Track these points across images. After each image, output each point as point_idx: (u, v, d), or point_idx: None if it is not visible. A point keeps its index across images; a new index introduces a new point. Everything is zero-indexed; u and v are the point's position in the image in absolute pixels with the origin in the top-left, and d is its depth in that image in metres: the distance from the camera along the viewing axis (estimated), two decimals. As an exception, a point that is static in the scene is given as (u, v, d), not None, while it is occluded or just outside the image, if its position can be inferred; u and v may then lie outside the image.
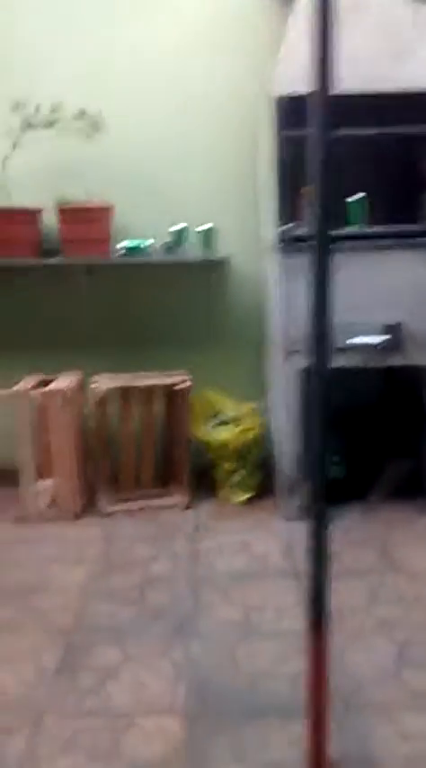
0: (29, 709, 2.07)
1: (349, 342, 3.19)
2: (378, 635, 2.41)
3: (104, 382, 3.53)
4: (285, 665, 2.25)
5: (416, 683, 2.13)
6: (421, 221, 3.38)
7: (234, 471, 3.65)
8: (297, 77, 2.97)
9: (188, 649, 2.36)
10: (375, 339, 3.22)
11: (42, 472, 3.66)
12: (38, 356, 3.91)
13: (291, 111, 3.03)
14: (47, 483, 3.59)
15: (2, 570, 3.00)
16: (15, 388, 3.48)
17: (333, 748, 1.82)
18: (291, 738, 1.89)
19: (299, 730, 1.89)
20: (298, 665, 2.17)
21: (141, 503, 3.65)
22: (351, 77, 2.91)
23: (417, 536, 3.19)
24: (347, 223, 3.34)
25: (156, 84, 3.78)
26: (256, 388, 3.95)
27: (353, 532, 3.25)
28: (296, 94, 2.97)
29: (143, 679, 2.20)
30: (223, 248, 3.80)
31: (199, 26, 3.76)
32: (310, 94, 1.46)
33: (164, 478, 3.87)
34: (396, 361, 3.27)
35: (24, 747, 1.90)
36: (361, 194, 3.33)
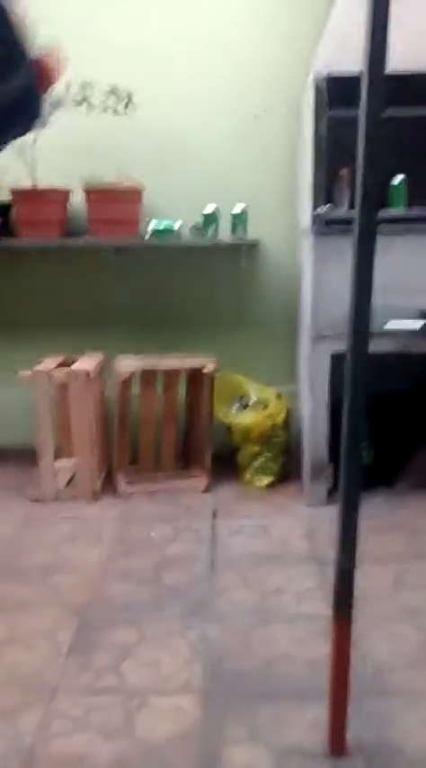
0: (42, 686, 2.04)
1: (386, 326, 3.11)
2: (403, 621, 2.35)
3: (128, 363, 3.49)
4: (303, 648, 2.19)
5: (440, 671, 2.07)
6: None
7: (257, 455, 3.59)
8: (341, 56, 2.94)
9: (204, 630, 2.31)
10: (413, 324, 3.14)
11: (62, 452, 3.64)
12: (63, 336, 3.90)
13: (334, 90, 2.97)
14: (66, 463, 3.56)
15: (20, 549, 2.97)
16: (38, 367, 3.45)
17: (352, 733, 1.77)
18: (309, 722, 1.84)
19: (316, 714, 1.84)
20: (317, 649, 2.14)
21: (161, 484, 3.61)
22: (399, 55, 2.88)
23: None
24: (388, 205, 3.26)
25: (191, 62, 3.71)
26: (285, 372, 3.91)
27: (380, 519, 3.18)
28: (340, 74, 2.92)
29: (158, 658, 2.16)
30: (256, 230, 3.74)
31: (238, 1, 3.69)
32: (360, 74, 1.41)
33: (186, 461, 3.83)
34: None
35: (37, 724, 1.87)
36: (402, 176, 3.25)
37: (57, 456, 3.51)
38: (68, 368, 3.42)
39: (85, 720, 1.89)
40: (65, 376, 3.39)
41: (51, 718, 1.89)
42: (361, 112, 1.42)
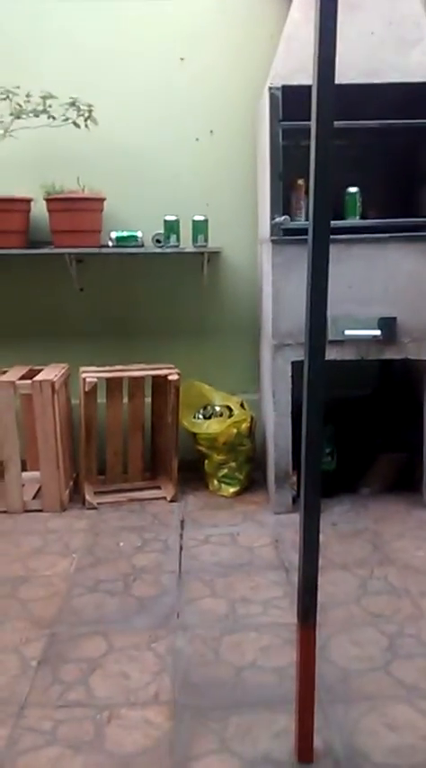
0: (11, 700, 2.04)
1: (345, 334, 3.15)
2: (368, 627, 2.38)
3: (93, 373, 3.49)
4: (271, 657, 2.22)
5: (405, 674, 2.11)
6: (419, 214, 3.36)
7: (223, 464, 3.61)
8: (296, 68, 2.98)
9: (173, 641, 2.32)
10: (370, 332, 3.19)
11: (28, 463, 3.63)
12: (26, 347, 3.88)
13: (289, 101, 3.00)
14: (33, 474, 3.55)
15: (-14, 561, 2.96)
16: (2, 378, 3.44)
17: (320, 739, 1.80)
18: (277, 730, 1.87)
19: (285, 722, 1.87)
20: (285, 657, 2.16)
21: (128, 494, 3.62)
22: (350, 68, 2.93)
23: (408, 529, 3.16)
24: (343, 215, 3.31)
25: (151, 73, 3.73)
26: (248, 380, 3.95)
27: (344, 525, 3.22)
28: (294, 85, 2.96)
29: (127, 670, 2.17)
30: (218, 240, 3.76)
31: (198, 15, 3.71)
32: (311, 85, 1.43)
33: (152, 470, 3.84)
34: (391, 354, 3.25)
35: (6, 739, 1.87)
36: (355, 189, 3.31)
37: (23, 467, 3.50)
38: (33, 379, 3.40)
39: (55, 734, 1.89)
40: (29, 387, 3.38)
41: (20, 733, 1.89)
42: (312, 123, 1.45)
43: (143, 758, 1.79)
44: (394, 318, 3.18)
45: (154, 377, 3.63)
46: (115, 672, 2.16)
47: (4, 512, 3.45)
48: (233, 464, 3.61)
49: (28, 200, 3.61)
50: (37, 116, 3.37)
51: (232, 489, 3.63)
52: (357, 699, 2.01)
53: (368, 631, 2.35)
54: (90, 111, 3.40)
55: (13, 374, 3.52)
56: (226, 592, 2.65)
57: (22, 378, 3.46)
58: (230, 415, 3.66)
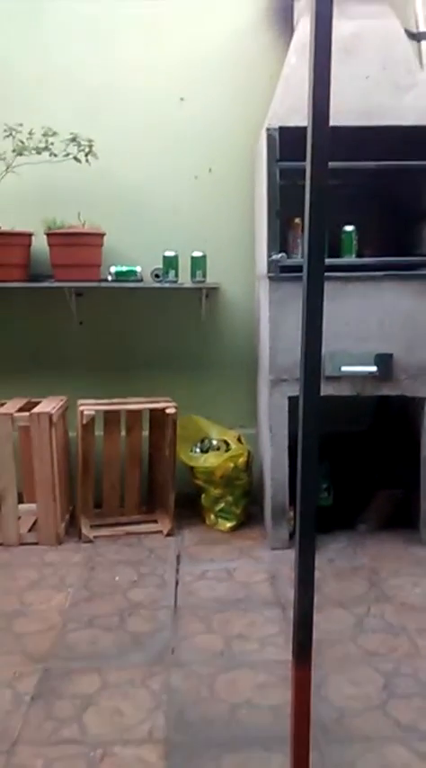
0: (3, 737, 2.02)
1: (342, 370, 3.17)
2: (364, 665, 2.37)
3: (91, 406, 3.50)
4: (267, 695, 2.20)
5: (401, 714, 2.09)
6: (414, 253, 3.40)
7: (220, 498, 3.61)
8: (293, 109, 3.04)
9: (168, 678, 2.31)
10: (366, 368, 3.21)
11: (25, 496, 3.62)
12: (24, 379, 3.89)
13: (287, 142, 3.06)
14: (29, 507, 3.54)
15: (-19, 595, 2.95)
16: (0, 409, 3.45)
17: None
18: (272, 770, 1.85)
19: (280, 761, 1.85)
20: (280, 695, 2.15)
21: (125, 528, 3.61)
22: (345, 110, 2.99)
23: (405, 566, 3.15)
24: (339, 253, 3.36)
25: (149, 113, 3.80)
26: (245, 415, 3.96)
27: (341, 561, 3.21)
28: (292, 126, 3.02)
29: (121, 707, 2.15)
30: (216, 276, 3.80)
31: (197, 55, 3.79)
32: (306, 127, 1.47)
33: (149, 504, 3.83)
34: (387, 390, 3.27)
35: (-3, 776, 1.85)
36: (351, 227, 3.36)
37: (19, 500, 3.50)
38: (31, 411, 3.41)
39: (48, 773, 1.87)
40: (27, 419, 3.39)
41: (13, 771, 1.88)
42: (307, 163, 1.47)
43: (136, 798, 1.78)
44: (391, 355, 3.21)
45: (151, 410, 3.64)
46: (109, 708, 2.15)
47: (0, 544, 3.43)
48: (230, 498, 3.61)
49: (29, 235, 3.65)
50: (39, 153, 3.43)
51: (229, 524, 3.62)
52: (353, 739, 1.99)
53: (365, 670, 2.34)
54: (90, 147, 3.46)
55: (12, 406, 3.53)
56: (222, 628, 2.63)
57: (21, 410, 3.47)
58: (227, 450, 3.67)
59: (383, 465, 3.67)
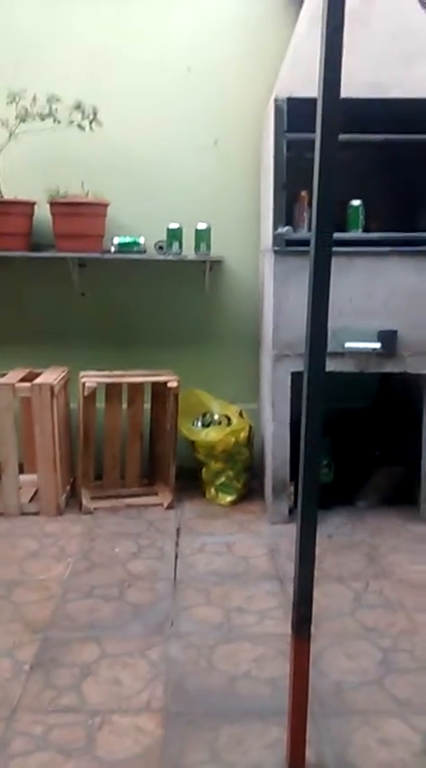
0: (3, 704, 2.03)
1: (345, 346, 3.16)
2: (362, 640, 2.38)
3: (93, 377, 3.49)
4: (265, 667, 2.21)
5: (398, 689, 2.10)
6: (421, 229, 3.36)
7: (220, 472, 3.61)
8: (301, 80, 2.99)
9: (166, 649, 2.32)
10: (370, 345, 3.19)
11: (26, 466, 3.62)
12: (26, 349, 3.88)
13: (295, 113, 3.01)
14: (30, 477, 3.55)
15: (-19, 564, 2.96)
16: (1, 380, 3.44)
17: (312, 752, 1.80)
18: (269, 741, 1.86)
19: (277, 733, 1.87)
20: (278, 668, 2.16)
21: (125, 500, 3.61)
22: (356, 82, 2.94)
23: (404, 543, 3.16)
24: (345, 228, 3.32)
25: (158, 80, 3.75)
26: (248, 389, 3.95)
27: (340, 537, 3.22)
28: (299, 97, 2.97)
29: (120, 677, 2.16)
30: (221, 249, 3.76)
31: (206, 23, 3.73)
32: (316, 98, 1.44)
33: (150, 476, 3.84)
34: (391, 367, 3.25)
35: (-4, 743, 1.86)
36: (358, 201, 3.32)
37: (20, 470, 3.50)
38: (32, 381, 3.41)
39: (46, 739, 1.88)
40: (29, 390, 3.38)
41: (11, 737, 1.89)
42: (317, 135, 1.45)
43: (133, 765, 1.79)
44: (395, 332, 3.19)
45: (153, 383, 3.63)
46: (108, 678, 2.16)
47: (1, 514, 3.44)
48: (230, 473, 3.61)
49: (31, 204, 3.62)
50: (42, 119, 3.38)
51: (229, 498, 3.62)
52: (350, 712, 2.00)
53: (362, 645, 2.35)
54: (94, 114, 3.41)
55: (13, 377, 3.52)
56: (221, 601, 2.64)
57: (22, 380, 3.46)
58: (229, 424, 3.66)
59: (384, 442, 3.67)
